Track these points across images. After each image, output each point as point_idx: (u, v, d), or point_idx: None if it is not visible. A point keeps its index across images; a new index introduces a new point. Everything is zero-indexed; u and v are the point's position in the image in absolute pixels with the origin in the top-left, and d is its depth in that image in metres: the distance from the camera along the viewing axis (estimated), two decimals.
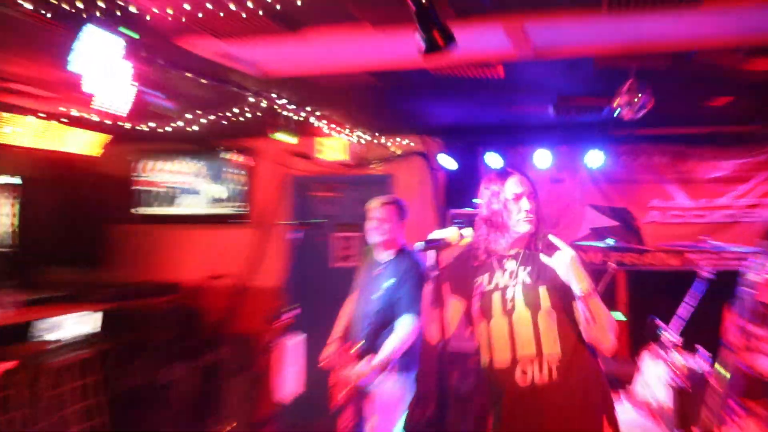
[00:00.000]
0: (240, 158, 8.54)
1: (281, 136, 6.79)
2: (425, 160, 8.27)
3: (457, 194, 7.88)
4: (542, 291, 3.41)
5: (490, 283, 3.51)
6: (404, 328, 4.80)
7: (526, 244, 3.51)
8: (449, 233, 3.14)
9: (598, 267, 6.86)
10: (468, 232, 3.11)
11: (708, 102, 6.47)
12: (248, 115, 6.41)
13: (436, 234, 3.15)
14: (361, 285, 5.16)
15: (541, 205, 3.51)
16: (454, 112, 7.12)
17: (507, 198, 3.46)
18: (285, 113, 6.41)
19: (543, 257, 3.37)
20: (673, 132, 7.77)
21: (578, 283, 3.22)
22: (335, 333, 5.31)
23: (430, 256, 3.16)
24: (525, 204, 3.47)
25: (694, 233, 7.34)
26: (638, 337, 6.79)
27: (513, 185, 3.52)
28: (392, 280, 4.89)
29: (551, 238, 3.31)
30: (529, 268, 3.47)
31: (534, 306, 3.40)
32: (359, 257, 5.28)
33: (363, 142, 8.03)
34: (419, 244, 3.12)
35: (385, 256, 5.06)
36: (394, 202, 5.10)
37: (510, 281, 3.47)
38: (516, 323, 3.39)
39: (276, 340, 5.29)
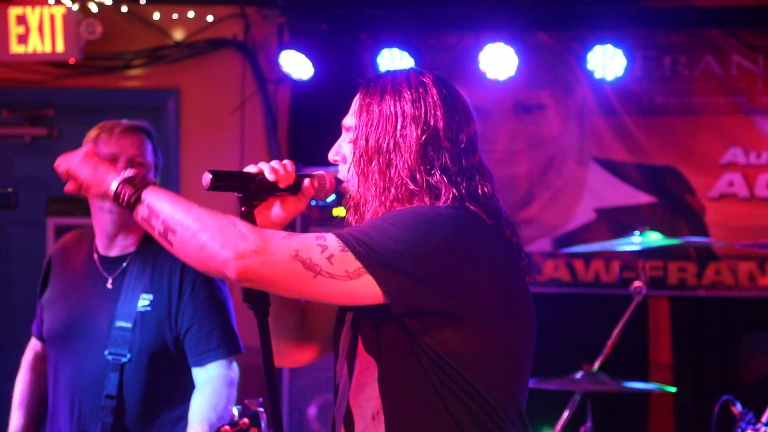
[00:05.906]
0: None
1: None
2: (247, 60, 6.95)
3: (317, 134, 6.25)
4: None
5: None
6: (215, 387, 3.57)
7: None
8: (280, 169, 2.25)
9: (614, 289, 6.24)
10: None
11: None
12: None
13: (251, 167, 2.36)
14: (65, 315, 3.71)
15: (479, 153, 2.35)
16: None
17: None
18: None
19: None
20: None
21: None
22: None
23: (244, 213, 2.25)
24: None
25: None
26: (695, 427, 6.15)
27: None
28: (148, 297, 3.64)
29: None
30: None
31: None
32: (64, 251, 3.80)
33: (98, 17, 6.54)
34: (207, 177, 2.29)
35: (119, 246, 3.81)
36: (144, 130, 3.73)
37: None
38: None
39: None
